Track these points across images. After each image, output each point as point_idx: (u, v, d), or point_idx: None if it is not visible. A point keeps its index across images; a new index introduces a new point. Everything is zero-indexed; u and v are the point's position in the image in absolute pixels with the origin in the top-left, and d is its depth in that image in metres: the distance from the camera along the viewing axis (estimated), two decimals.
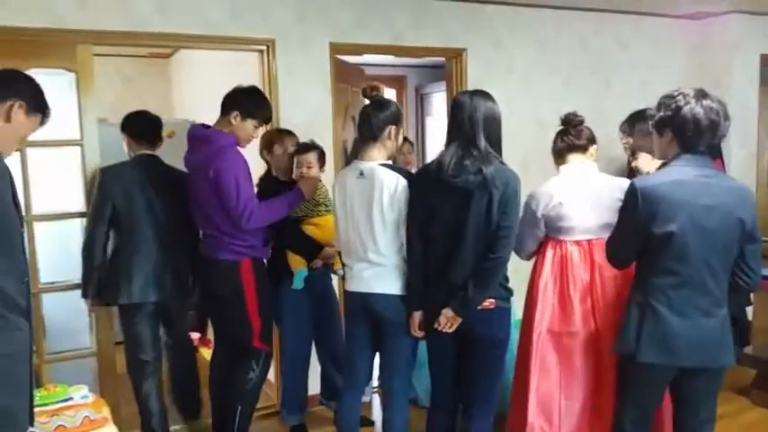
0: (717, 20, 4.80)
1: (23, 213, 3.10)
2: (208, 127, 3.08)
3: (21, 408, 2.00)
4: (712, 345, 2.32)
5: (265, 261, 3.22)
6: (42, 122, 2.10)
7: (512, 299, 2.67)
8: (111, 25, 3.25)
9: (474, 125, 2.51)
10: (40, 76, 3.16)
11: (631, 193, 2.33)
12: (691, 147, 2.30)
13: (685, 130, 2.27)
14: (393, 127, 2.73)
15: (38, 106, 2.07)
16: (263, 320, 3.05)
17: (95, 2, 3.22)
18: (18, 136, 2.06)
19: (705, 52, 4.90)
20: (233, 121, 2.98)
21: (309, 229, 3.30)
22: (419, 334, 2.69)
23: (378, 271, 2.72)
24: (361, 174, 2.71)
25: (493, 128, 2.55)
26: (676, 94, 2.31)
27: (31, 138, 2.98)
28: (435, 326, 2.59)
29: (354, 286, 2.80)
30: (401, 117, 2.81)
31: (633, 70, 4.77)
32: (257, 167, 3.39)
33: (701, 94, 2.28)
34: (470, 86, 4.15)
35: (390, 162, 2.78)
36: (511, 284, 2.66)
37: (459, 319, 2.56)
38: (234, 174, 2.85)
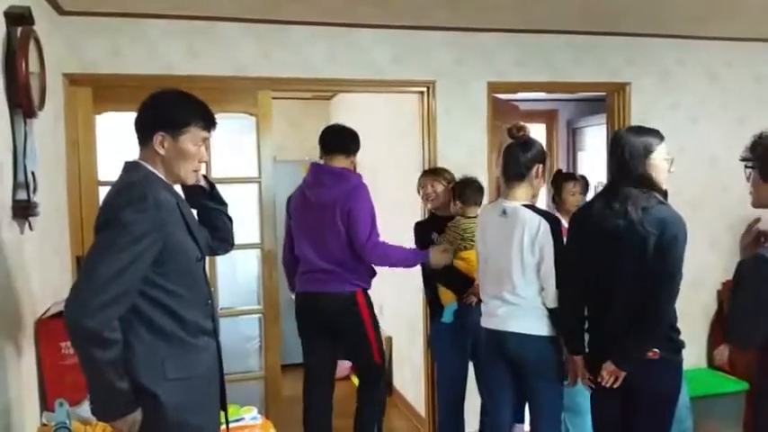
0: None
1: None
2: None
3: (213, 427, 2.11)
4: None
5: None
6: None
7: (683, 352, 2.49)
8: (287, 72, 3.52)
9: (623, 164, 2.41)
10: (224, 120, 3.53)
11: None
12: None
13: None
14: (540, 165, 2.71)
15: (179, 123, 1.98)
16: (377, 339, 3.30)
17: (275, 52, 3.50)
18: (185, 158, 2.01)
19: None
20: (353, 160, 3.37)
21: (460, 264, 3.32)
22: (587, 383, 2.57)
23: (512, 309, 2.68)
24: (504, 212, 2.71)
25: (647, 165, 2.41)
26: None
27: (217, 175, 3.34)
28: (599, 380, 2.47)
29: (489, 323, 2.79)
30: (546, 156, 2.80)
31: None
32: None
33: None
34: (634, 121, 4.03)
35: (535, 202, 2.76)
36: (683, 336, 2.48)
37: (623, 373, 2.41)
38: (370, 209, 3.17)
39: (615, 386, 2.44)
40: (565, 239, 2.65)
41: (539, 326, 2.66)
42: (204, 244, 2.14)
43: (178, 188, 2.10)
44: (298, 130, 6.03)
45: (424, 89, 3.78)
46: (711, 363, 4.24)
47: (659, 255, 2.31)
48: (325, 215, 3.14)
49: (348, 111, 5.93)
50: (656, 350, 2.39)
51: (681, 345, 2.47)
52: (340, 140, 3.31)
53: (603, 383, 2.45)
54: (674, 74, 4.16)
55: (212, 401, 2.10)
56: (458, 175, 3.44)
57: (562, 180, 3.73)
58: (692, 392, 3.25)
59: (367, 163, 5.50)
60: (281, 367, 3.74)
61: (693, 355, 4.13)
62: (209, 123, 2.02)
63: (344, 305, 3.19)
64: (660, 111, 4.10)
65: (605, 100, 4.25)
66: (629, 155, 2.40)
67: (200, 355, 2.00)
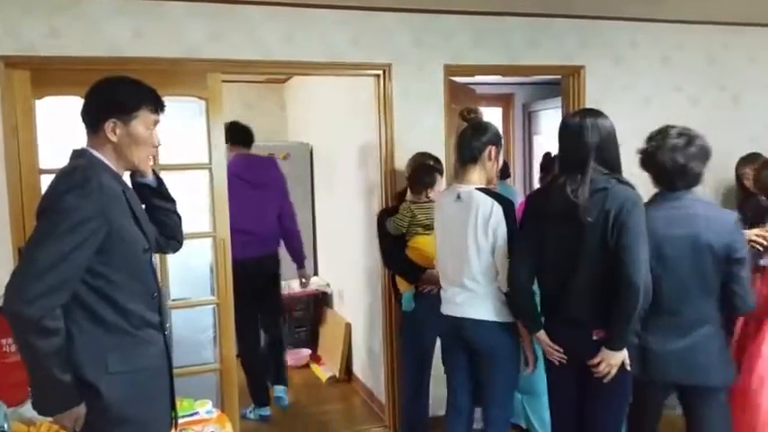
0: None
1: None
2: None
3: (161, 421, 2.06)
4: (691, 362, 2.47)
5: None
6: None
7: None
8: (239, 54, 3.40)
9: (584, 148, 2.39)
10: (172, 103, 3.40)
11: None
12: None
13: None
14: (493, 148, 2.70)
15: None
16: None
17: (226, 33, 3.38)
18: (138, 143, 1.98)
19: None
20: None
21: (411, 252, 3.31)
22: (556, 348, 2.53)
23: (470, 296, 2.68)
24: (459, 197, 2.69)
25: (608, 148, 2.42)
26: None
27: (164, 162, 3.22)
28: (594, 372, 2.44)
29: (448, 310, 2.79)
30: (501, 138, 2.78)
31: (764, 85, 4.46)
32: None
33: None
34: (588, 104, 4.04)
35: (491, 185, 2.74)
36: None
37: (620, 359, 2.38)
38: None
39: (609, 377, 2.40)
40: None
41: (495, 312, 2.65)
42: (152, 236, 2.08)
43: (127, 179, 2.06)
44: (252, 114, 5.90)
45: (381, 72, 3.71)
46: None
47: (621, 230, 2.31)
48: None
49: (304, 94, 5.84)
50: (601, 331, 2.39)
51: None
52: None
53: (599, 375, 2.41)
54: (628, 56, 4.18)
55: (160, 396, 2.05)
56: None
57: (551, 162, 3.72)
58: None
59: (324, 146, 5.43)
60: (236, 358, 3.65)
61: None
62: (159, 105, 2.02)
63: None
64: (614, 93, 4.12)
65: (560, 83, 4.25)
66: (598, 137, 2.39)
67: (145, 348, 1.97)
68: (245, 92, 5.94)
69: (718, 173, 4.24)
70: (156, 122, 2.02)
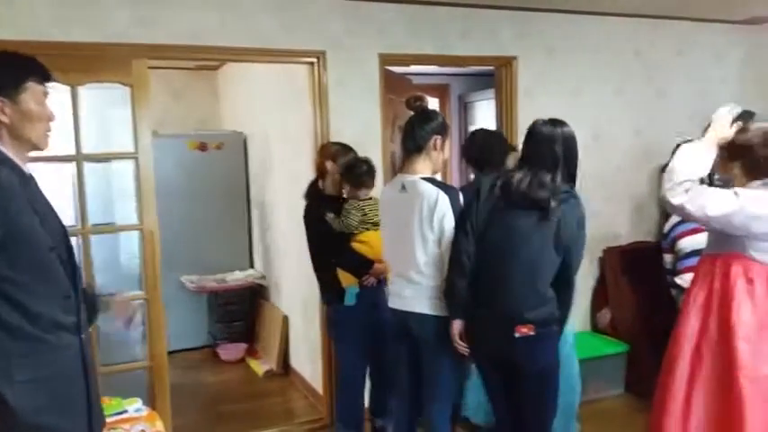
0: None
1: (79, 224, 3.20)
2: None
3: (78, 429, 1.93)
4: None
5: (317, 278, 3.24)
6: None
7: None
8: (166, 39, 3.27)
9: (554, 157, 2.42)
10: (95, 90, 3.26)
11: None
12: None
13: None
14: (438, 137, 2.65)
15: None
16: None
17: (152, 17, 3.24)
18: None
19: (761, 59, 4.74)
20: None
21: (358, 246, 3.27)
22: (462, 345, 2.55)
23: (417, 289, 2.65)
24: (403, 187, 2.65)
25: (573, 159, 2.48)
26: None
27: (88, 151, 3.08)
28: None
29: (395, 303, 2.76)
30: (447, 128, 2.74)
31: (688, 79, 4.63)
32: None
33: None
34: (521, 95, 4.10)
35: (436, 176, 2.71)
36: None
37: None
38: None
39: None
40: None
41: (441, 307, 2.61)
42: (59, 231, 1.93)
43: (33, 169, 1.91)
44: (182, 101, 5.73)
45: (315, 60, 3.64)
46: (595, 326, 4.44)
47: (568, 233, 2.39)
48: None
49: (237, 81, 5.70)
50: (531, 326, 2.41)
51: (559, 318, 2.51)
52: None
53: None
54: (559, 48, 4.25)
55: (76, 403, 1.92)
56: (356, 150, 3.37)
57: (488, 151, 3.70)
58: (578, 355, 3.37)
59: (259, 136, 5.32)
60: (167, 354, 3.55)
61: (578, 320, 4.29)
62: (45, 75, 1.88)
63: None
64: (546, 85, 4.19)
65: (494, 74, 4.29)
66: (563, 149, 2.43)
67: (56, 353, 1.84)
68: (174, 79, 5.74)
69: (653, 160, 4.40)
70: (46, 94, 1.88)
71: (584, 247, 2.49)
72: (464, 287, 2.51)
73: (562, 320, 2.51)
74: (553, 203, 2.37)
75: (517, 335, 2.40)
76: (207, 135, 5.49)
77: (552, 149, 2.43)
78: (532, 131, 2.51)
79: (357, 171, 3.26)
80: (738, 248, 2.38)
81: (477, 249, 2.49)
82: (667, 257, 3.59)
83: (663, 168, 3.54)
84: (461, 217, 2.55)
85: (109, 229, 3.54)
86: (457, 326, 2.55)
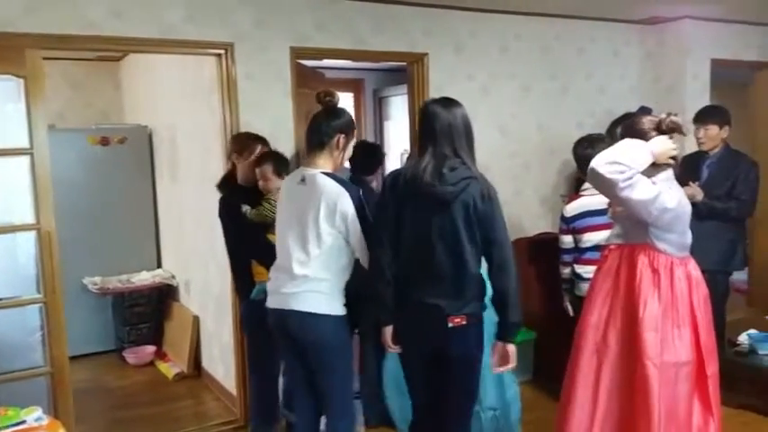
0: (670, 25, 4.90)
1: None
2: None
3: None
4: None
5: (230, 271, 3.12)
6: None
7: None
8: (61, 29, 3.10)
9: (452, 135, 2.42)
10: None
11: None
12: None
13: None
14: (342, 136, 2.61)
15: None
16: None
17: (45, 5, 3.06)
18: None
19: (659, 57, 5.01)
20: None
21: (274, 238, 3.21)
22: (396, 349, 2.56)
23: (301, 283, 2.53)
24: (303, 180, 2.58)
25: (470, 137, 2.48)
26: None
27: None
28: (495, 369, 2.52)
29: (273, 302, 2.64)
30: (353, 127, 2.69)
31: (590, 75, 4.83)
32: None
33: None
34: (432, 91, 4.15)
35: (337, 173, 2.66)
36: None
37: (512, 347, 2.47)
38: None
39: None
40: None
41: (327, 304, 2.54)
42: None
43: None
44: (82, 94, 5.46)
45: (222, 51, 3.55)
46: None
47: (488, 223, 2.39)
48: None
49: (141, 73, 5.48)
50: (464, 316, 2.43)
51: (484, 307, 2.53)
52: None
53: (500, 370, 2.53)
54: (468, 46, 4.33)
55: None
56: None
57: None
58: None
59: (165, 130, 5.14)
60: (69, 359, 3.38)
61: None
62: None
63: None
64: (456, 81, 4.25)
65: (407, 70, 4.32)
66: (460, 126, 2.43)
67: None
68: (73, 70, 5.45)
69: (556, 154, 4.57)
70: None
71: (501, 219, 2.44)
72: (390, 294, 2.49)
73: (510, 307, 2.44)
74: (456, 191, 2.38)
75: (450, 325, 2.41)
76: (109, 129, 5.24)
77: (450, 129, 2.42)
78: (426, 112, 2.49)
79: (279, 163, 3.19)
80: (644, 239, 2.51)
81: (396, 247, 2.48)
82: (566, 238, 3.66)
83: (580, 159, 3.63)
84: (372, 225, 2.53)
85: (2, 229, 3.32)
86: (389, 331, 2.54)
